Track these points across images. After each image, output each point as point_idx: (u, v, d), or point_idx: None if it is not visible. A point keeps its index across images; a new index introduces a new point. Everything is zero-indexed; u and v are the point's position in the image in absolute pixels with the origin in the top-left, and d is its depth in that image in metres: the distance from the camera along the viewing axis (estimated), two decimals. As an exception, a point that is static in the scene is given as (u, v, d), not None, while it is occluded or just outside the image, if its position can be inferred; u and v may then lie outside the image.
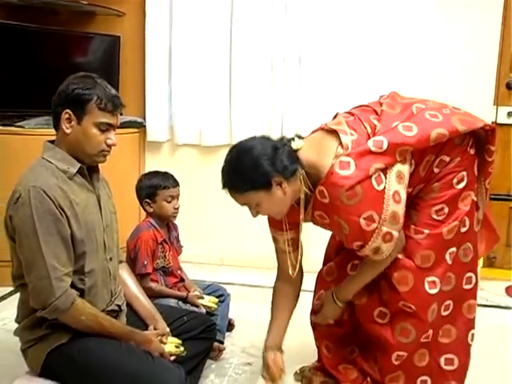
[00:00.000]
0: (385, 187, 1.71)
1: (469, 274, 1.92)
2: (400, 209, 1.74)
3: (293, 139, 1.80)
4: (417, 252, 1.85)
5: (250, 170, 1.70)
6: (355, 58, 3.32)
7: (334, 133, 1.78)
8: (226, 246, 3.61)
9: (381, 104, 1.88)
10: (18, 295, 1.78)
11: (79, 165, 1.71)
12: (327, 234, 2.11)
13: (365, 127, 1.80)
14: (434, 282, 1.85)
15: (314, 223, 1.90)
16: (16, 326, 1.78)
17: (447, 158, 1.84)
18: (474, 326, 1.96)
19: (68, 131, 1.68)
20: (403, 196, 1.74)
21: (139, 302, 1.98)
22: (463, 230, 1.87)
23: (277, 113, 3.44)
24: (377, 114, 1.85)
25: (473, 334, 1.96)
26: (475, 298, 1.96)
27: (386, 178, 1.72)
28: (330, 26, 3.33)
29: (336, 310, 1.99)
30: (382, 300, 1.92)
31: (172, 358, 1.81)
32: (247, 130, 3.35)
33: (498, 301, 3.19)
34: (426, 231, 1.84)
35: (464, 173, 1.85)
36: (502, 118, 3.44)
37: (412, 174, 1.80)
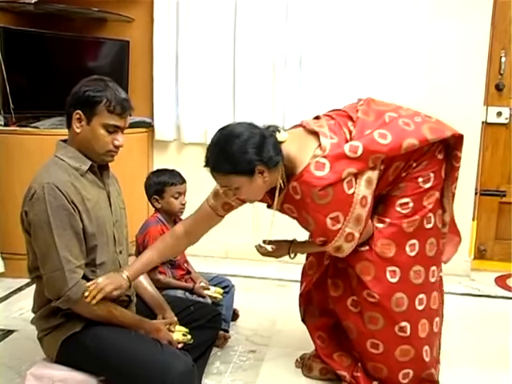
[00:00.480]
0: (354, 192, 1.73)
1: (433, 268, 1.93)
2: (365, 212, 1.76)
3: (278, 130, 1.78)
4: (377, 240, 1.86)
5: (237, 154, 1.67)
6: (353, 59, 3.30)
7: (315, 133, 1.78)
8: (230, 240, 3.60)
9: (357, 111, 1.87)
10: (34, 286, 1.78)
11: (90, 162, 1.70)
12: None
13: (344, 132, 1.80)
14: (394, 272, 1.86)
15: (281, 212, 1.90)
16: (33, 315, 1.78)
17: (414, 164, 1.86)
18: (438, 314, 1.98)
19: (78, 130, 1.68)
20: (369, 200, 1.77)
21: (148, 292, 1.98)
22: (428, 226, 1.88)
23: (278, 113, 3.42)
24: (352, 120, 1.84)
25: (437, 322, 1.98)
26: (437, 290, 1.98)
27: (356, 182, 1.74)
28: (329, 29, 3.31)
29: (284, 256, 2.02)
30: (353, 289, 1.92)
31: (180, 345, 1.80)
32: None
33: (488, 291, 3.19)
34: (388, 220, 1.86)
35: (431, 174, 1.86)
36: (492, 118, 3.46)
37: (381, 179, 1.82)
